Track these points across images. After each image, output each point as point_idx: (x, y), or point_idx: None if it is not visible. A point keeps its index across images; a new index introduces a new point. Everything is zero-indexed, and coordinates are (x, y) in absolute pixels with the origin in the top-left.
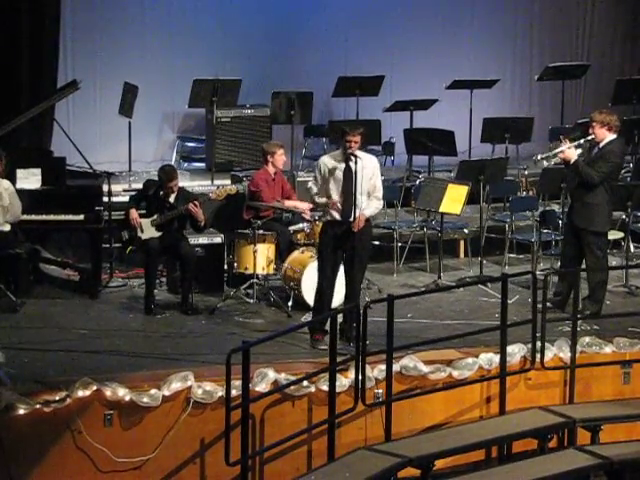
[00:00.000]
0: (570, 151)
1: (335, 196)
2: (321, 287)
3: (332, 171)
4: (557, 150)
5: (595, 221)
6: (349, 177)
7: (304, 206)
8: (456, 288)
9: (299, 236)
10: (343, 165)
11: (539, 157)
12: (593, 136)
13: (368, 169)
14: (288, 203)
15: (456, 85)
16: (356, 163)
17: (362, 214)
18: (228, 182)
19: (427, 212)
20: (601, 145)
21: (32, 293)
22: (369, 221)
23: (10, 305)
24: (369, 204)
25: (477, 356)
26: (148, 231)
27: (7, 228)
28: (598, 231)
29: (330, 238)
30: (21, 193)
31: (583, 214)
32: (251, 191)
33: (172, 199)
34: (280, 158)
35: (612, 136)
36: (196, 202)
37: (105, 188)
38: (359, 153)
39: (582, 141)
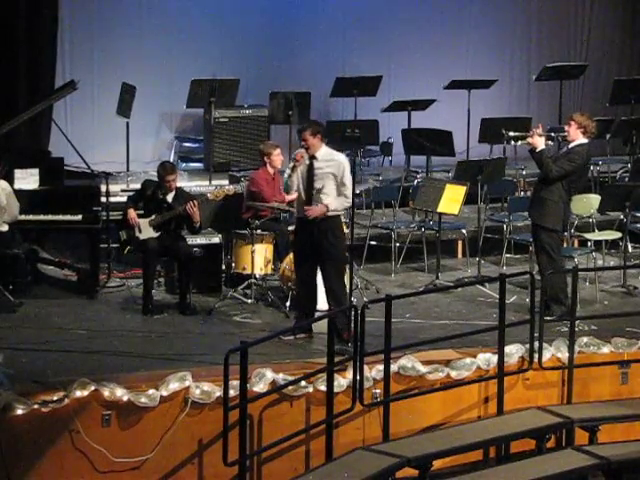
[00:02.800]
0: (539, 139)
1: (296, 192)
2: (298, 290)
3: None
4: (528, 133)
5: (546, 217)
6: (306, 175)
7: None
8: (454, 288)
9: None
10: (307, 162)
11: (510, 134)
12: (566, 134)
13: (330, 168)
14: (289, 198)
15: (454, 85)
16: (311, 162)
17: (323, 204)
18: (226, 182)
19: (425, 212)
20: (570, 145)
21: (30, 293)
22: (338, 218)
23: (8, 305)
24: (336, 199)
25: (475, 356)
26: (146, 231)
27: (5, 228)
28: (548, 228)
29: (301, 237)
30: (19, 193)
31: (537, 208)
32: (251, 191)
33: (170, 199)
34: (277, 158)
35: (584, 140)
36: (194, 202)
37: (103, 188)
38: (323, 152)
39: (553, 134)
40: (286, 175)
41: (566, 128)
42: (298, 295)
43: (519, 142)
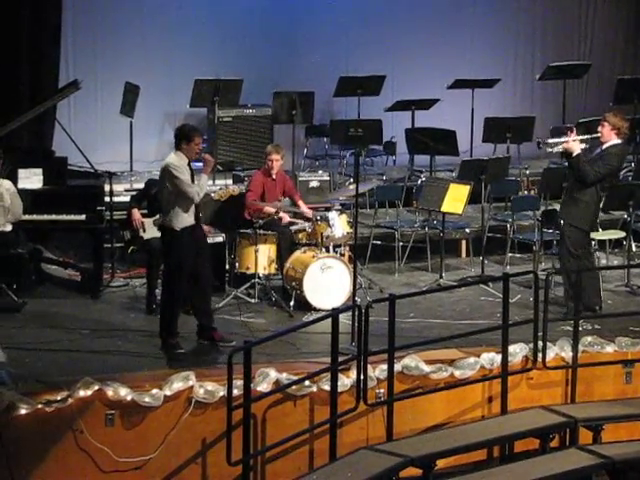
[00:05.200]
0: (575, 143)
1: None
2: (178, 296)
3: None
4: (562, 139)
5: (576, 216)
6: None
7: (307, 210)
8: (458, 288)
9: (300, 236)
10: (187, 167)
11: (546, 141)
12: (599, 135)
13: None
14: (283, 210)
15: (458, 85)
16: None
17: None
18: (230, 182)
19: (429, 212)
20: (604, 147)
21: (34, 293)
22: None
23: (12, 305)
24: None
25: (479, 356)
26: (150, 231)
27: (9, 228)
28: (576, 225)
29: (192, 244)
30: (23, 193)
31: (568, 207)
32: (247, 189)
33: None
34: (272, 163)
35: (617, 140)
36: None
37: (107, 188)
38: None
39: (588, 137)
40: (186, 180)
41: (599, 129)
42: (177, 304)
43: (555, 149)
